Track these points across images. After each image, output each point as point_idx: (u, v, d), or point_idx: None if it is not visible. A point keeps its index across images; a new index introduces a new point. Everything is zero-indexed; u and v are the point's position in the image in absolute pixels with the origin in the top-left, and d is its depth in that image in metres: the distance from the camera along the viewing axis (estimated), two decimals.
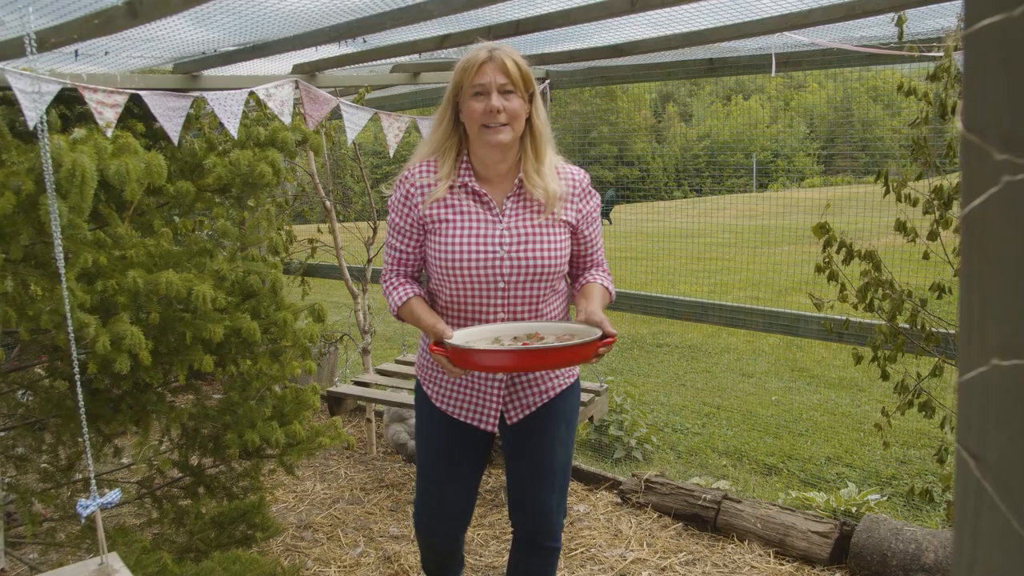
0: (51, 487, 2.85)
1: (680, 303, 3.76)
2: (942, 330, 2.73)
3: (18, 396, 2.95)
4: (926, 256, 2.55)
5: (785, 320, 3.42)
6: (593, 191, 2.06)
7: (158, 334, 2.53)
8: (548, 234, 1.95)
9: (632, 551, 3.29)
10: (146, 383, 2.62)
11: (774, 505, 3.42)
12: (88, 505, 1.90)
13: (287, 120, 2.99)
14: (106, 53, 2.50)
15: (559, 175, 1.99)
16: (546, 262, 1.93)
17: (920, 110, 2.56)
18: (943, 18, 2.55)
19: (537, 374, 2.06)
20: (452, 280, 1.92)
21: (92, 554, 2.78)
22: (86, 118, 2.77)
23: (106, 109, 2.67)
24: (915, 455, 4.33)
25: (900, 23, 2.40)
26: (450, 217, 1.93)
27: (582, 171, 2.04)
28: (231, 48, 2.69)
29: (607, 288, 2.06)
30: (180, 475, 3.18)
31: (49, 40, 1.83)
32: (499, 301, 1.94)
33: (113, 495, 1.98)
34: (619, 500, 3.76)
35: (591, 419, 4.01)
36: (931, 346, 2.68)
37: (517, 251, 1.91)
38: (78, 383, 1.88)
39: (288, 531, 3.58)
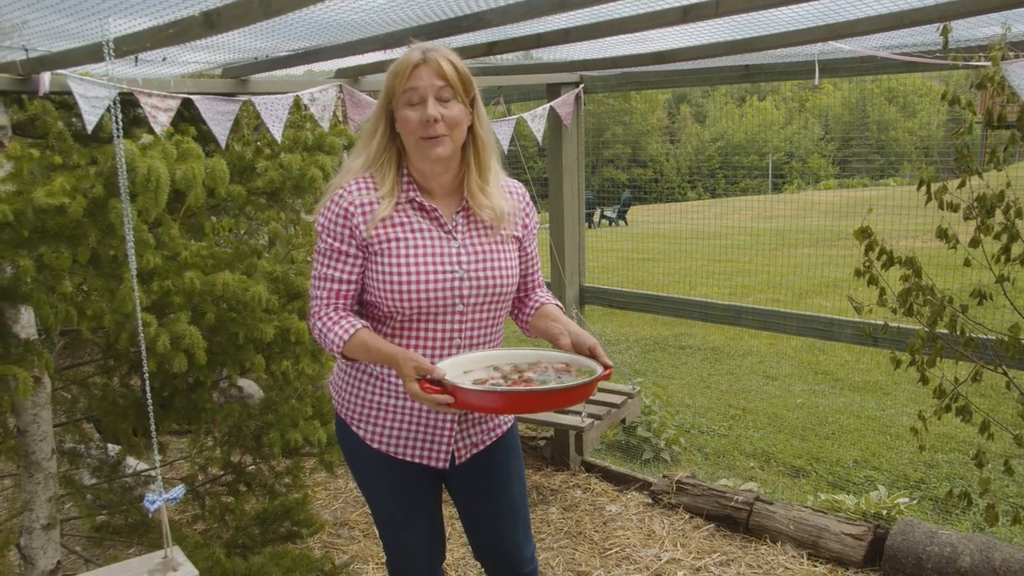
0: (102, 482, 2.92)
1: (714, 306, 3.80)
2: (981, 335, 2.76)
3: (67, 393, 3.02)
4: (967, 263, 2.57)
5: (820, 324, 3.45)
6: (532, 204, 1.95)
7: (210, 334, 2.59)
8: (502, 252, 1.82)
9: (666, 551, 3.33)
10: (199, 382, 2.67)
11: (806, 507, 3.45)
12: (155, 500, 1.96)
13: (326, 125, 3.05)
14: (164, 59, 2.56)
15: (505, 189, 1.87)
16: (505, 281, 1.80)
17: (945, 114, 2.59)
18: (987, 27, 2.57)
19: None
20: (405, 306, 1.72)
21: (141, 547, 2.85)
22: (139, 122, 2.83)
23: (159, 113, 2.73)
24: (943, 459, 4.35)
25: (945, 32, 2.43)
26: (401, 235, 1.73)
27: (520, 184, 1.94)
28: (283, 54, 2.74)
29: (562, 310, 1.94)
30: (222, 472, 3.23)
31: (121, 48, 1.88)
32: (456, 326, 1.77)
33: (178, 491, 2.04)
34: (650, 501, 3.79)
35: (623, 421, 4.06)
36: (970, 351, 2.71)
37: (476, 271, 1.76)
38: (147, 383, 1.93)
39: (325, 528, 3.63)
